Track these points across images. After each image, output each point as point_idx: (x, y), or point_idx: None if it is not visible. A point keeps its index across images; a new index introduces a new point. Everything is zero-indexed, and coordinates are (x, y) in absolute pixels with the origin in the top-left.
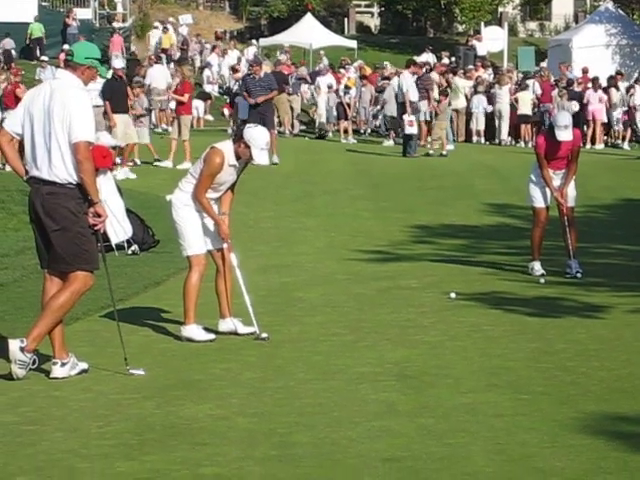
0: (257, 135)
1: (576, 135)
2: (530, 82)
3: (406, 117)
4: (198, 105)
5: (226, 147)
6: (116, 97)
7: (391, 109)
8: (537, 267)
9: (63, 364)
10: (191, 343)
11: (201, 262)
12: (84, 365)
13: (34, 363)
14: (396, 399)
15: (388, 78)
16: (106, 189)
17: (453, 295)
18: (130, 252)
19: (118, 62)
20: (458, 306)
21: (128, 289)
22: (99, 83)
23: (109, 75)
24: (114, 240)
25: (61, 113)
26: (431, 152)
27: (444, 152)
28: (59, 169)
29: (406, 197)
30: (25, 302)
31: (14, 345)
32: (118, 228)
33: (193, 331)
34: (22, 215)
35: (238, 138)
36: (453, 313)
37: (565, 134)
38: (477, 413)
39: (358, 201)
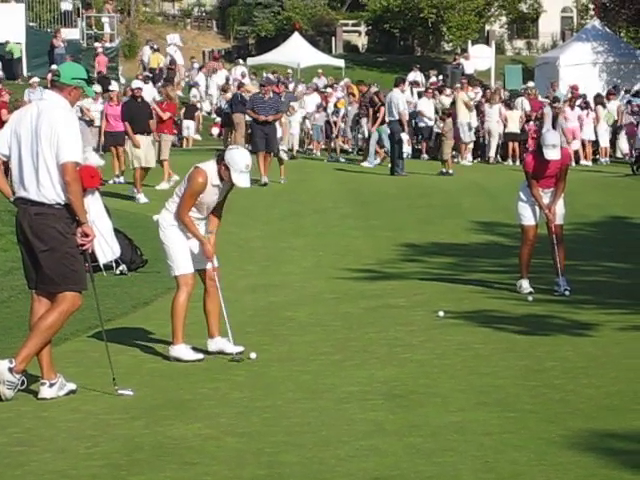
0: (237, 158)
1: (564, 154)
2: (519, 100)
3: (404, 136)
4: (189, 125)
5: (209, 167)
6: (136, 118)
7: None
8: (525, 285)
9: (51, 385)
10: (179, 363)
11: (189, 282)
12: (72, 386)
13: (22, 384)
14: (384, 418)
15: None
16: (94, 209)
17: (441, 313)
18: (118, 272)
19: (138, 82)
20: (446, 324)
21: (116, 309)
22: (99, 104)
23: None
24: (102, 260)
25: (49, 133)
26: (450, 172)
27: (450, 171)
28: (47, 189)
29: (395, 215)
30: (13, 322)
31: (2, 366)
32: (106, 248)
33: (181, 351)
34: (10, 235)
35: (220, 159)
36: (441, 331)
37: (553, 153)
38: (466, 432)
39: (347, 220)
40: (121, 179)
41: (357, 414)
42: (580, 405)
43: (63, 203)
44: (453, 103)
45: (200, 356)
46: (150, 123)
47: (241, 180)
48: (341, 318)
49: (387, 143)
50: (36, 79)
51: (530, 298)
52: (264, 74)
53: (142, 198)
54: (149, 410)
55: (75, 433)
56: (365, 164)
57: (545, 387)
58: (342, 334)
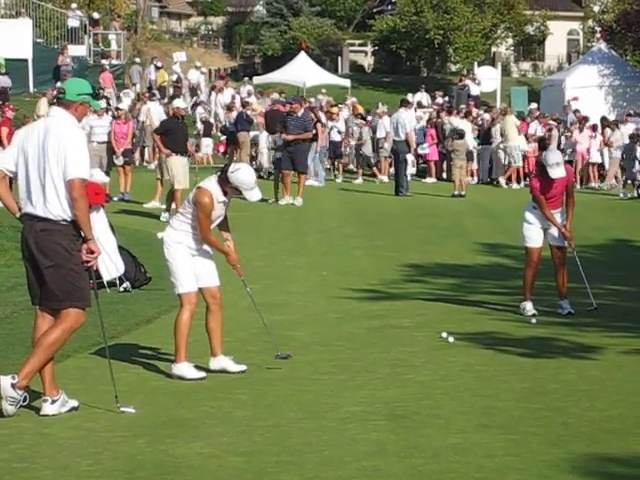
0: (245, 178)
1: (568, 171)
2: (533, 124)
3: (409, 157)
4: (208, 142)
5: (212, 186)
6: (174, 137)
7: (368, 148)
8: (529, 307)
9: (53, 401)
10: (182, 381)
11: (192, 300)
12: (74, 402)
13: (25, 400)
14: (386, 439)
15: (364, 118)
16: (99, 226)
17: (445, 335)
18: (122, 289)
19: (180, 102)
20: (449, 346)
21: (119, 326)
22: (105, 120)
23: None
24: (106, 277)
25: (56, 150)
26: (463, 193)
27: (463, 192)
28: (53, 206)
29: (398, 236)
30: (15, 338)
31: (5, 382)
32: (110, 265)
33: (184, 369)
34: (14, 251)
35: (224, 181)
36: (444, 353)
37: (558, 171)
38: (467, 454)
39: (350, 239)
40: (127, 196)
41: (359, 434)
42: (582, 428)
43: (69, 219)
44: (489, 128)
45: (203, 374)
46: (187, 144)
47: (254, 195)
48: (344, 338)
49: (310, 161)
50: (103, 104)
51: (534, 320)
52: (272, 94)
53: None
54: (151, 428)
55: (77, 450)
56: (313, 182)
57: (548, 410)
58: (345, 354)
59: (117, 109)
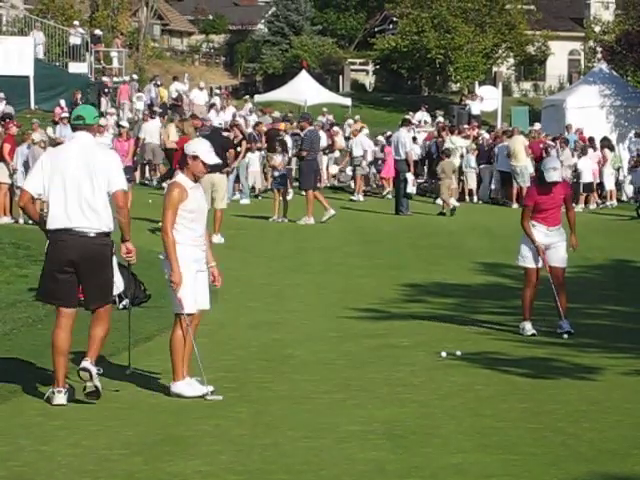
0: (197, 144)
1: (564, 183)
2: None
3: (409, 176)
4: None
5: (179, 176)
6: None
7: (364, 166)
8: (528, 327)
9: (66, 392)
10: (180, 399)
11: (192, 320)
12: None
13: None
14: (385, 458)
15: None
16: None
17: (444, 354)
18: (121, 307)
19: (217, 121)
20: (448, 365)
21: (119, 343)
22: (106, 137)
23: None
24: None
25: (101, 167)
26: (445, 211)
27: (444, 210)
28: (92, 220)
29: (398, 255)
30: (15, 355)
31: (85, 364)
32: None
33: (182, 387)
34: (14, 268)
35: (184, 163)
36: (443, 372)
37: (555, 175)
38: (466, 474)
39: (350, 258)
40: None
41: (357, 454)
42: (581, 449)
43: (105, 231)
44: (490, 147)
45: (203, 391)
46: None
47: (212, 158)
48: (343, 357)
49: (242, 178)
50: (66, 114)
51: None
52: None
53: (216, 239)
54: (149, 446)
55: (75, 468)
56: (243, 201)
57: (546, 430)
58: (344, 373)
59: (119, 126)
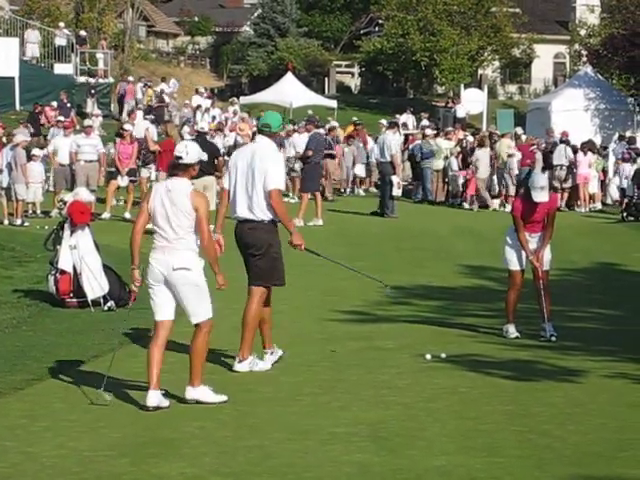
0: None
1: (552, 198)
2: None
3: (395, 178)
4: None
5: (191, 185)
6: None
7: (360, 169)
8: (512, 330)
9: (240, 361)
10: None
11: (211, 324)
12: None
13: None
14: (369, 460)
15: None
16: (84, 245)
17: (429, 357)
18: (106, 308)
19: (204, 124)
20: (433, 368)
21: (103, 345)
22: (94, 138)
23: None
24: (90, 296)
25: (260, 167)
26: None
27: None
28: (256, 210)
29: (383, 257)
30: None
31: (240, 367)
32: (95, 284)
33: (204, 393)
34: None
35: (178, 171)
36: (428, 375)
37: (541, 195)
38: (451, 476)
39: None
40: (128, 215)
41: (342, 455)
42: (566, 451)
43: (267, 219)
44: (472, 149)
45: (224, 398)
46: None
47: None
48: (328, 359)
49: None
50: (60, 117)
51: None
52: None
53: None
54: (134, 448)
55: (60, 469)
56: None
57: (531, 432)
58: (329, 375)
59: (122, 129)
